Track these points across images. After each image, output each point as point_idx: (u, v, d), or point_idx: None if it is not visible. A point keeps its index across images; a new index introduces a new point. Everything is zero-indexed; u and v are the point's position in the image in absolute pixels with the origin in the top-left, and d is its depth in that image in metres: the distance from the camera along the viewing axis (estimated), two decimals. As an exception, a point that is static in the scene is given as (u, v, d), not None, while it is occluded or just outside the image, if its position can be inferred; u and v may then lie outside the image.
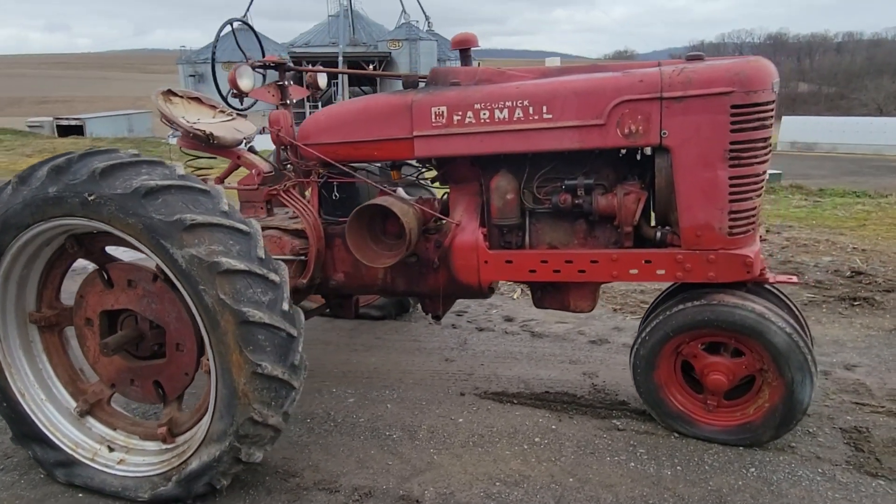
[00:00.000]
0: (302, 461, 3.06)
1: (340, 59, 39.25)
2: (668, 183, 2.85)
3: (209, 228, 2.44)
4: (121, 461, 2.88)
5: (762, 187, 2.88)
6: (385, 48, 43.61)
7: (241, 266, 2.43)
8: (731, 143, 2.71)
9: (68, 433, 2.93)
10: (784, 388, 2.88)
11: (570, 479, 2.87)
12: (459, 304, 4.72)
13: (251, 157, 3.68)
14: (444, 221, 3.31)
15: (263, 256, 2.54)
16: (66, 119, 42.46)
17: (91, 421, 3.01)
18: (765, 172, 2.89)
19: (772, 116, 2.80)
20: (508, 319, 4.84)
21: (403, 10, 43.79)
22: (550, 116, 2.88)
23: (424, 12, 46.68)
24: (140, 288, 2.77)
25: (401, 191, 3.56)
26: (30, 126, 39.44)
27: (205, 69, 37.49)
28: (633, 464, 2.98)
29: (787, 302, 3.24)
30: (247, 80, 3.30)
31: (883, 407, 3.45)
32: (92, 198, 2.44)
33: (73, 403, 3.00)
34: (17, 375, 2.91)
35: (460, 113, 2.99)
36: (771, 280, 3.08)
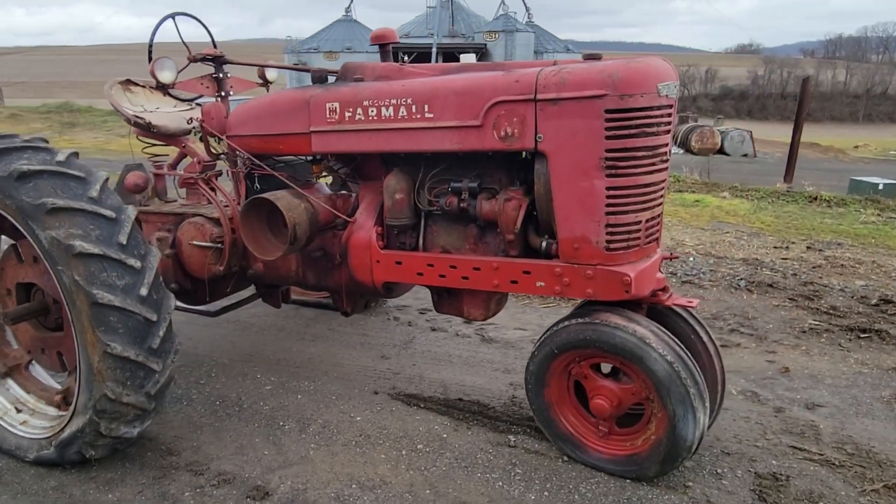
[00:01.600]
0: (189, 441, 3.18)
1: (434, 50, 39.66)
2: (547, 190, 2.67)
3: (70, 213, 2.58)
4: (23, 422, 3.12)
5: (651, 200, 2.64)
6: (482, 40, 43.55)
7: (95, 250, 2.56)
8: (607, 150, 2.50)
9: (-13, 392, 3.22)
10: (667, 421, 2.64)
11: (427, 492, 2.79)
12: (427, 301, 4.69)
13: (194, 146, 3.84)
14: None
15: (125, 242, 2.66)
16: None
17: (10, 383, 3.28)
18: (658, 184, 2.64)
19: (661, 123, 2.55)
20: (466, 322, 4.74)
21: (502, 2, 43.42)
22: (431, 116, 2.79)
23: (525, 3, 46.02)
24: (42, 264, 2.98)
25: (322, 185, 3.58)
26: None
27: (307, 58, 39.29)
28: (501, 483, 2.84)
29: (696, 328, 2.94)
30: (167, 73, 3.43)
31: (821, 455, 3.06)
32: (-23, 179, 2.66)
33: (-3, 366, 3.29)
34: (-56, 338, 3.23)
35: (351, 110, 2.96)
36: (667, 302, 2.82)
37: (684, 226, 7.87)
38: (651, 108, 2.49)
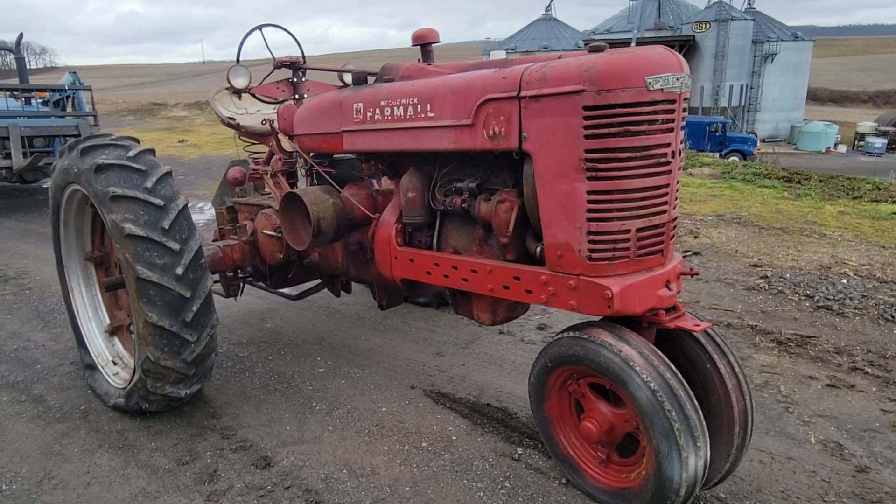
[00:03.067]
0: (232, 408, 3.55)
1: (633, 45, 37.86)
2: (534, 193, 2.51)
3: (127, 200, 3.06)
4: (115, 374, 3.75)
5: (644, 207, 2.34)
6: (689, 31, 40.59)
7: (141, 233, 3.00)
8: (586, 150, 2.27)
9: (97, 345, 3.92)
10: (653, 456, 2.34)
11: (407, 489, 2.80)
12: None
13: (278, 144, 4.24)
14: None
15: (168, 227, 3.07)
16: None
17: (115, 339, 3.96)
18: (654, 189, 2.33)
19: (655, 121, 2.25)
20: (540, 328, 4.57)
21: (716, -13, 39.97)
22: (433, 115, 2.77)
23: (746, -14, 41.86)
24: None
25: (371, 182, 3.73)
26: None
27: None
28: (482, 494, 2.75)
29: (714, 356, 2.53)
30: (240, 79, 3.83)
31: (890, 531, 2.47)
32: (75, 170, 3.27)
33: (108, 323, 3.98)
34: (77, 298, 4.00)
35: (371, 110, 3.06)
36: (668, 323, 2.47)
37: (859, 241, 6.66)
38: (637, 105, 2.21)
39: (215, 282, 3.91)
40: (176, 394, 3.29)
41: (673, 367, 2.36)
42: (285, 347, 4.35)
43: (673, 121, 2.30)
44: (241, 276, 4.22)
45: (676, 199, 2.53)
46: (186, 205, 3.22)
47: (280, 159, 4.06)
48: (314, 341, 4.45)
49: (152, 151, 3.40)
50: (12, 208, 10.13)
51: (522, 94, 2.41)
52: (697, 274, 2.67)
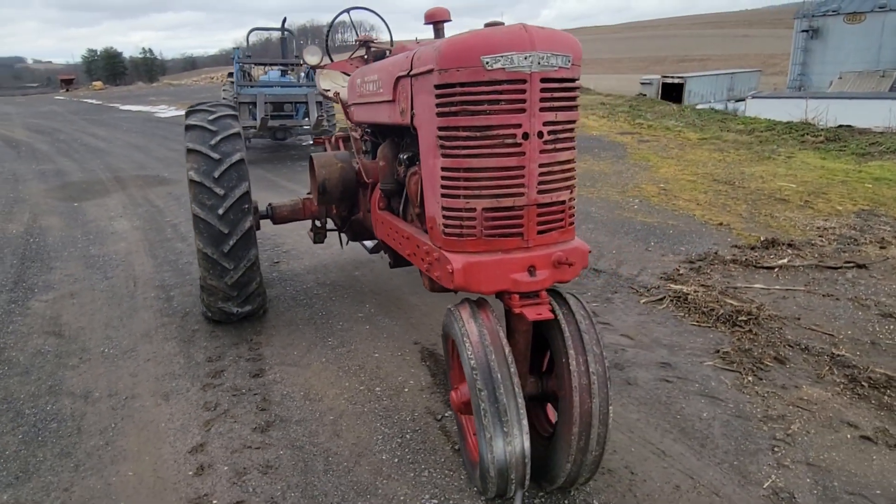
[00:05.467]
0: (274, 331, 4.32)
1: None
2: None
3: (195, 153, 3.95)
4: (215, 289, 4.81)
5: (490, 188, 2.31)
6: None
7: (197, 178, 3.87)
8: (438, 128, 2.35)
9: (213, 266, 5.03)
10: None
11: (330, 418, 3.22)
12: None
13: (345, 113, 4.81)
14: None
15: (217, 176, 3.88)
16: (671, 77, 46.19)
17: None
18: (503, 170, 2.29)
19: (497, 101, 2.22)
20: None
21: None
22: (381, 91, 3.04)
23: None
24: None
25: None
26: (642, 83, 44.86)
27: (821, 23, 34.84)
28: (380, 438, 3.04)
29: (572, 352, 2.37)
30: (311, 57, 4.43)
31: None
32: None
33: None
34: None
35: (361, 86, 3.43)
36: (515, 309, 2.40)
37: None
38: (474, 84, 2.22)
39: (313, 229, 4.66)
40: (228, 309, 4.17)
41: (507, 351, 2.34)
42: (352, 292, 5.00)
43: (524, 101, 2.24)
44: (324, 225, 4.95)
45: (563, 182, 2.42)
46: (241, 160, 4.00)
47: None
48: (375, 291, 5.02)
49: (233, 116, 4.25)
50: (264, 161, 12.63)
51: (412, 72, 2.56)
52: (572, 265, 2.48)
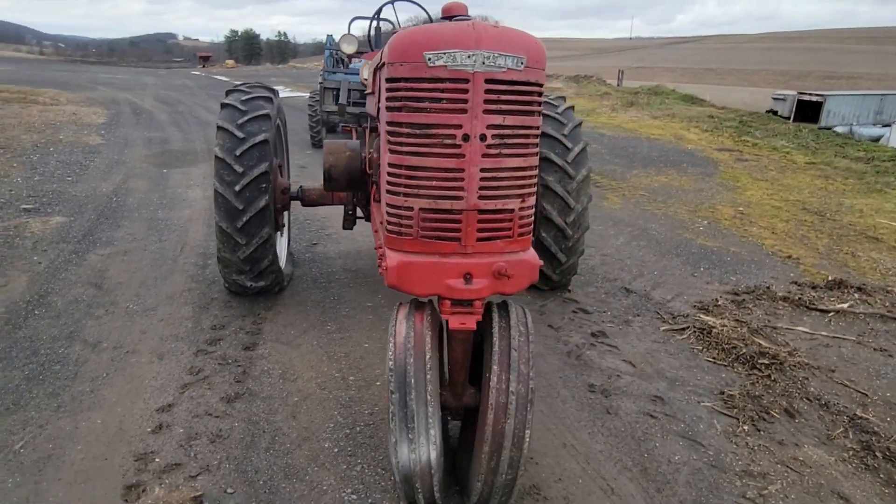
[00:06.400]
0: (284, 308, 4.47)
1: None
2: (387, 161, 2.61)
3: (222, 130, 4.14)
4: (244, 262, 5.04)
5: (426, 188, 2.24)
6: None
7: (220, 155, 4.06)
8: (387, 122, 2.31)
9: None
10: (392, 436, 2.36)
11: (296, 399, 3.29)
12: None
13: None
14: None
15: (239, 154, 4.05)
16: (809, 94, 42.25)
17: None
18: (440, 171, 2.21)
19: (437, 99, 2.15)
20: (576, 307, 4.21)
21: None
22: (367, 81, 3.05)
23: None
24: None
25: None
26: (774, 98, 41.56)
27: None
28: (331, 426, 3.07)
29: (497, 368, 2.26)
30: (347, 46, 4.49)
31: None
32: (223, 107, 4.52)
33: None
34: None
35: (367, 77, 3.45)
36: (443, 314, 2.31)
37: None
38: (414, 80, 2.17)
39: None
40: (242, 282, 4.36)
41: (428, 357, 2.28)
42: (370, 281, 5.06)
43: (465, 101, 2.15)
44: (353, 212, 5.03)
45: (512, 189, 2.31)
46: (265, 141, 4.14)
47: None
48: (395, 283, 5.03)
49: (266, 98, 4.41)
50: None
51: (379, 64, 2.54)
52: (510, 277, 2.33)
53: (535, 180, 2.46)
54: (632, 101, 22.03)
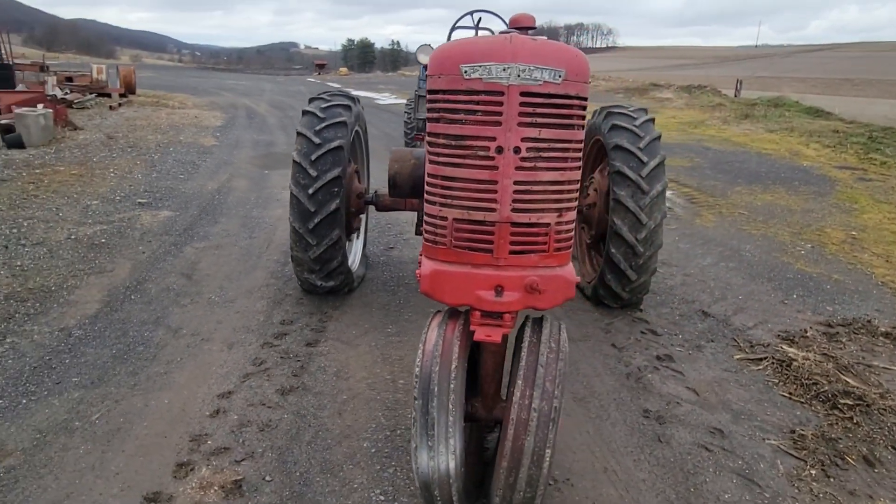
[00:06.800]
0: (351, 308, 4.63)
1: None
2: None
3: (300, 136, 4.36)
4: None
5: (458, 199, 2.25)
6: None
7: (296, 159, 4.28)
8: (428, 133, 2.35)
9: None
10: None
11: (344, 397, 3.40)
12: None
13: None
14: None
15: (314, 159, 4.25)
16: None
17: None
18: (472, 182, 2.21)
19: (472, 111, 2.16)
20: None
21: None
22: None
23: None
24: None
25: None
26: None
27: None
28: (373, 427, 3.13)
29: (522, 383, 2.21)
30: (422, 56, 4.56)
31: None
32: (305, 113, 4.76)
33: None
34: (330, 205, 5.65)
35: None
36: (471, 326, 2.31)
37: None
38: (452, 92, 2.19)
39: None
40: (313, 281, 4.57)
41: (454, 366, 2.28)
42: (438, 287, 5.11)
43: (500, 114, 2.14)
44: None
45: (548, 203, 2.27)
46: (339, 147, 4.32)
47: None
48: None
49: (345, 106, 4.58)
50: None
51: (429, 74, 2.58)
52: (543, 292, 2.27)
53: (575, 195, 2.40)
54: (747, 113, 20.72)
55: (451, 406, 2.24)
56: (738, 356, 4.10)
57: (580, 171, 2.43)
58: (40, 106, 11.67)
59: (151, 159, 10.00)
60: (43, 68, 21.06)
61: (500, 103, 2.14)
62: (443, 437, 2.21)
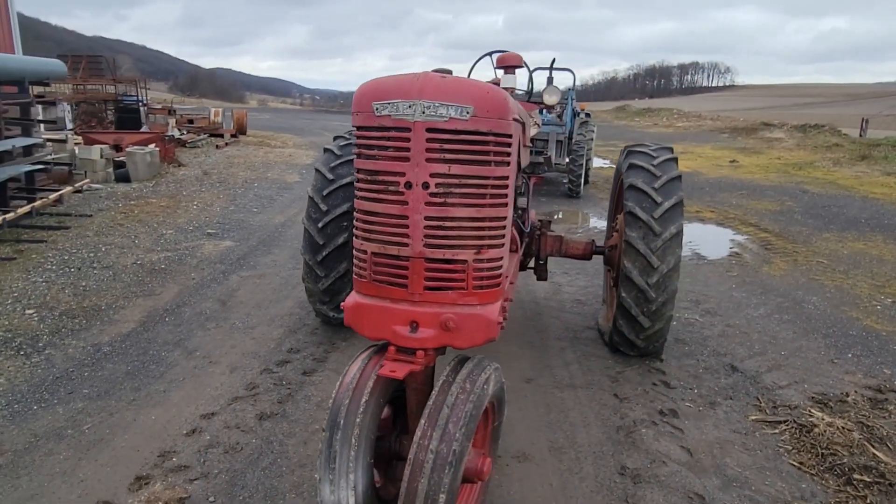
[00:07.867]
0: (351, 341, 4.69)
1: None
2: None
3: (317, 172, 4.57)
4: (344, 294, 5.42)
5: (376, 232, 2.27)
6: None
7: (310, 194, 4.48)
8: (355, 169, 2.41)
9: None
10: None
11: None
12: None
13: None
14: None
15: (326, 194, 4.42)
16: None
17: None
18: (385, 216, 2.24)
19: (384, 147, 2.20)
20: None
21: None
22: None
23: None
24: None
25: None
26: None
27: None
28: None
29: (423, 421, 2.15)
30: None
31: None
32: (330, 151, 4.99)
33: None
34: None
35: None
36: (382, 361, 2.27)
37: None
38: (367, 129, 2.24)
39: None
40: (325, 312, 4.71)
41: (364, 401, 2.27)
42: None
43: (408, 149, 2.16)
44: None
45: (463, 239, 2.25)
46: (350, 182, 4.47)
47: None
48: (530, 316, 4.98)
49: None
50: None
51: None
52: (458, 330, 2.20)
53: (500, 232, 2.36)
54: (864, 154, 19.04)
55: (354, 441, 2.22)
56: (753, 417, 3.73)
57: (507, 209, 2.38)
58: (152, 145, 12.99)
59: (234, 193, 10.79)
60: (170, 111, 23.53)
61: (408, 139, 2.16)
62: (343, 471, 2.20)
